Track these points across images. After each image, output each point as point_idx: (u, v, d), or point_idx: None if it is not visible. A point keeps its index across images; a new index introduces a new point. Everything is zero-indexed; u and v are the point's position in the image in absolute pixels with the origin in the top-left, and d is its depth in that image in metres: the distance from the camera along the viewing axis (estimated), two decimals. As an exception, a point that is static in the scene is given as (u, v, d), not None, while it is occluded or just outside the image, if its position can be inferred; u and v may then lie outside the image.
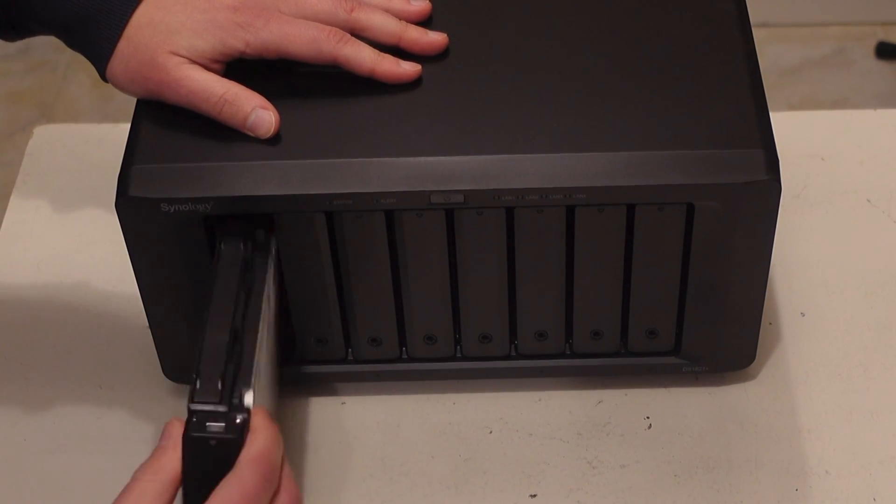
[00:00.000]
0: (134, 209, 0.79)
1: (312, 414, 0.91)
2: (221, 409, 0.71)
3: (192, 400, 0.72)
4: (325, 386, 0.91)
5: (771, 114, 0.81)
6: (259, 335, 0.76)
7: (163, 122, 0.82)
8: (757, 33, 0.87)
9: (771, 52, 2.26)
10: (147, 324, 0.86)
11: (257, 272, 0.79)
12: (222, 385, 0.72)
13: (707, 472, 0.87)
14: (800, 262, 0.98)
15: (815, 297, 0.96)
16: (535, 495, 0.86)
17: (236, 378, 0.73)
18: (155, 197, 0.78)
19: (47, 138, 1.09)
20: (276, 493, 0.71)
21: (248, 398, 0.72)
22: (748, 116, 0.80)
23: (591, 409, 0.90)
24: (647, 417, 0.90)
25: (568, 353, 0.89)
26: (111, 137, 1.08)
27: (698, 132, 0.79)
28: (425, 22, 0.87)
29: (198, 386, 0.72)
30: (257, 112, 0.80)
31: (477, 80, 0.83)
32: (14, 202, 1.05)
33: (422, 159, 0.79)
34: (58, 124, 1.11)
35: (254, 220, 0.80)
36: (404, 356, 0.90)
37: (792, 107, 2.17)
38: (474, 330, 0.88)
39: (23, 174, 1.06)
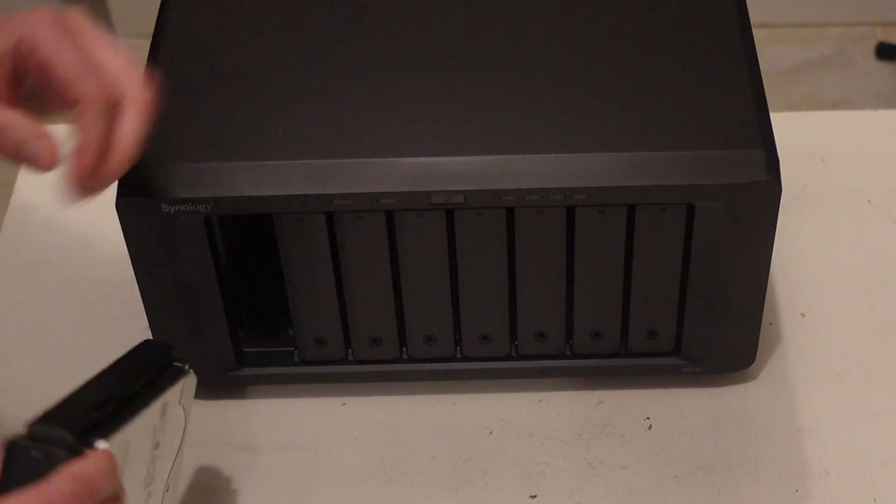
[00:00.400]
0: (134, 209, 0.79)
1: (312, 414, 0.91)
2: (64, 434, 0.66)
3: (41, 417, 0.67)
4: (325, 386, 0.91)
5: (771, 114, 0.81)
6: (138, 420, 0.71)
7: (163, 121, 0.81)
8: (757, 33, 0.87)
9: (771, 52, 2.26)
10: (147, 324, 0.86)
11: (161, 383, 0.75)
12: (82, 421, 0.68)
13: (707, 473, 0.87)
14: (800, 262, 0.98)
15: (815, 297, 0.96)
16: (535, 496, 0.86)
17: (98, 424, 0.68)
18: (155, 197, 0.78)
19: (47, 138, 1.09)
20: None
21: (101, 444, 0.67)
22: (748, 116, 0.80)
23: (591, 410, 0.90)
24: (648, 418, 0.90)
25: (568, 353, 0.89)
26: (111, 137, 1.08)
27: (698, 132, 0.79)
28: (425, 20, 0.87)
29: (58, 407, 0.68)
30: (33, 143, 0.71)
31: (477, 81, 0.83)
32: (14, 202, 1.05)
33: (422, 159, 0.79)
34: (58, 124, 1.11)
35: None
36: (404, 356, 0.90)
37: (792, 107, 2.17)
38: (474, 330, 0.88)
39: (23, 174, 1.06)
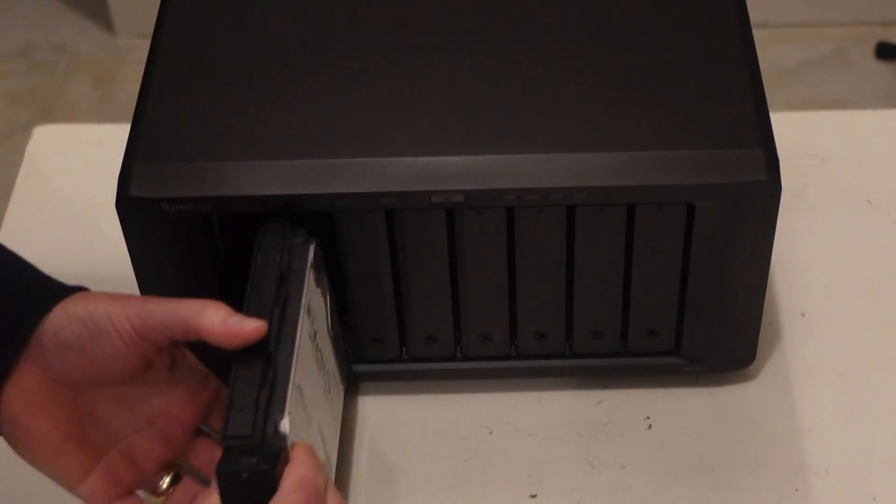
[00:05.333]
0: (134, 209, 0.79)
1: (312, 414, 0.91)
2: (254, 440, 0.68)
3: (224, 435, 0.68)
4: (325, 386, 0.91)
5: (771, 114, 0.81)
6: (295, 354, 0.73)
7: (163, 121, 0.82)
8: (757, 33, 0.87)
9: (771, 52, 2.26)
10: (147, 324, 0.86)
11: (293, 286, 0.76)
12: (255, 415, 0.69)
13: (707, 472, 0.87)
14: (800, 262, 0.98)
15: (815, 297, 0.96)
16: (535, 495, 0.86)
17: (270, 406, 0.70)
18: (155, 197, 0.78)
19: (47, 138, 1.09)
20: None
21: (284, 426, 0.69)
22: (748, 116, 0.80)
23: (591, 409, 0.90)
24: (647, 417, 0.90)
25: (568, 353, 0.89)
26: (111, 137, 1.08)
27: (698, 132, 0.79)
28: (426, 20, 0.87)
29: (230, 419, 0.69)
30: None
31: (477, 81, 0.83)
32: (14, 202, 1.05)
33: (422, 159, 0.79)
34: (58, 124, 1.11)
35: (300, 221, 0.79)
36: (405, 356, 0.90)
37: (792, 107, 2.17)
38: (474, 330, 0.88)
39: (23, 174, 1.06)
